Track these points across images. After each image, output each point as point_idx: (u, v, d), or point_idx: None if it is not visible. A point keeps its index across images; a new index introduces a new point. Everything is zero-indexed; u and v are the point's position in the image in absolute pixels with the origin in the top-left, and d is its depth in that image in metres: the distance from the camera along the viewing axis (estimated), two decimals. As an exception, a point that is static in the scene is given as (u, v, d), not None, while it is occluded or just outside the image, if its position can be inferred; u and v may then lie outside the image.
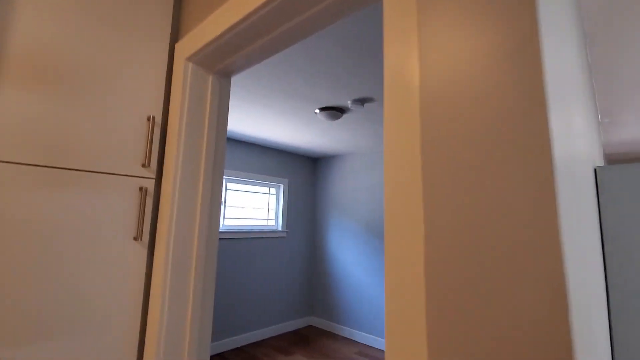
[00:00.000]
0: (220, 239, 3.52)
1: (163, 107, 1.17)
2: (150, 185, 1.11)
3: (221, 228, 3.57)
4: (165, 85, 1.17)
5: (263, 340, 3.80)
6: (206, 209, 1.13)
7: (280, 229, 4.18)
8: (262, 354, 3.41)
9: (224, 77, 1.20)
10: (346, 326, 3.99)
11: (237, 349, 3.53)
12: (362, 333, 3.81)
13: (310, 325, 4.34)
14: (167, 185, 1.09)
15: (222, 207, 3.62)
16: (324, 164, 4.61)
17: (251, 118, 2.94)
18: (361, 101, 2.44)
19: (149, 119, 1.10)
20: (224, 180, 3.65)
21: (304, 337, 3.92)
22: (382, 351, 3.56)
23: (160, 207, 1.11)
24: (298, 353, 3.47)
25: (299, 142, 3.77)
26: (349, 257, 4.08)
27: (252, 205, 4.01)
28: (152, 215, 1.11)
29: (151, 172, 1.12)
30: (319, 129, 3.22)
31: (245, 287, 3.72)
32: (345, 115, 2.78)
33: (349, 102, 2.46)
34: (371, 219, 3.93)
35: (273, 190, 4.24)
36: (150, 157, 1.11)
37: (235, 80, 2.12)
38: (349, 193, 4.22)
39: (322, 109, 2.63)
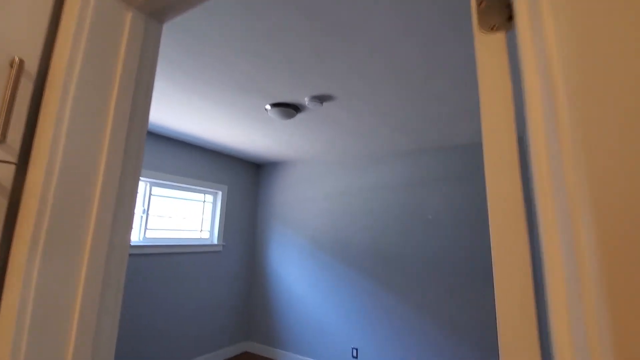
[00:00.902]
0: (139, 254, 2.89)
1: (43, 50, 0.73)
2: (6, 173, 0.66)
3: (141, 241, 2.94)
4: (52, 16, 0.74)
5: (188, 375, 3.19)
6: (107, 216, 0.72)
7: (215, 242, 3.65)
8: (185, 394, 2.83)
9: (152, 18, 0.81)
10: (289, 351, 3.59)
11: (153, 390, 2.88)
12: (305, 358, 3.44)
13: (246, 352, 3.83)
14: (35, 176, 0.66)
15: (144, 215, 3.00)
16: (269, 170, 4.23)
17: (185, 109, 2.47)
18: (320, 99, 2.17)
19: (12, 64, 0.66)
20: (147, 185, 3.04)
21: (237, 368, 3.41)
22: (327, 378, 3.23)
23: (21, 211, 0.66)
24: (231, 388, 2.96)
25: (243, 143, 3.35)
26: (293, 274, 3.72)
27: (182, 215, 3.43)
28: (5, 223, 0.66)
29: (9, 153, 0.67)
30: (268, 130, 2.86)
31: (169, 311, 3.10)
32: (299, 115, 2.48)
33: (306, 98, 2.17)
34: (318, 232, 3.65)
35: (209, 198, 3.71)
36: (8, 128, 0.66)
37: (165, 51, 1.68)
38: (295, 203, 3.89)
39: (275, 105, 2.29)
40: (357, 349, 3.17)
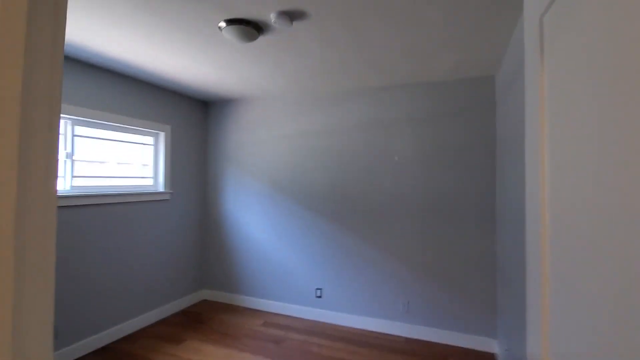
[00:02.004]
0: (67, 206, 2.42)
1: None
2: None
3: (68, 190, 2.45)
4: None
5: (142, 329, 2.99)
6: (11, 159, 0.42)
7: (161, 189, 3.24)
8: (142, 349, 2.66)
9: None
10: (248, 295, 3.54)
11: (102, 348, 2.65)
12: (268, 301, 3.44)
13: (204, 300, 3.71)
14: None
15: (69, 160, 2.46)
16: (218, 109, 3.74)
17: (115, 29, 1.90)
18: (290, 16, 1.79)
19: None
20: (67, 123, 2.45)
21: (196, 316, 3.30)
22: (292, 318, 3.29)
23: None
24: (191, 338, 2.86)
25: (190, 76, 2.82)
26: (250, 218, 3.53)
27: (117, 160, 2.92)
28: None
29: None
30: (221, 57, 2.40)
31: (116, 266, 2.77)
32: (262, 38, 2.08)
33: (272, 15, 1.78)
34: (277, 174, 3.43)
35: (149, 140, 3.20)
36: None
37: None
38: (251, 145, 3.56)
39: (231, 22, 1.86)
40: (321, 289, 3.23)
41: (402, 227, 2.94)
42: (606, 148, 0.47)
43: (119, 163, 2.92)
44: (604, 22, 0.48)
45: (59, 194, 2.36)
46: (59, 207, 2.37)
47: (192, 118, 3.61)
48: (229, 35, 1.94)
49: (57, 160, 0.52)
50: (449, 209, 2.79)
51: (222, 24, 1.88)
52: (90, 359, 2.49)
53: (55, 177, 0.52)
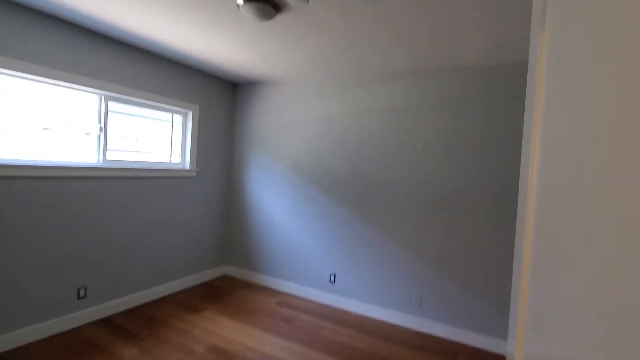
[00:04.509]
0: (98, 177, 2.60)
1: None
2: None
3: (100, 163, 2.64)
4: None
5: (167, 296, 3.21)
6: None
7: (187, 167, 3.38)
8: (163, 314, 2.85)
9: None
10: (266, 274, 3.64)
11: (130, 310, 2.88)
12: (284, 281, 3.52)
13: (225, 275, 3.89)
14: None
15: (102, 134, 2.64)
16: (246, 90, 3.79)
17: (143, 8, 1.95)
18: (306, -8, 1.72)
19: None
20: (101, 98, 2.61)
21: (216, 290, 3.46)
22: (306, 300, 3.34)
23: None
24: (209, 309, 3.01)
25: (213, 55, 2.87)
26: (271, 200, 3.59)
27: (150, 137, 3.08)
28: None
29: None
30: (242, 35, 2.40)
31: (140, 237, 2.97)
32: (279, 17, 2.04)
33: (288, -9, 1.72)
34: (299, 158, 3.42)
35: (177, 119, 3.32)
36: None
37: None
38: (275, 128, 3.58)
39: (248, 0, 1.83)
40: (334, 275, 3.23)
41: (421, 218, 2.82)
42: (594, 147, 0.40)
43: (149, 140, 3.08)
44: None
45: (90, 165, 2.55)
46: (93, 177, 2.56)
47: (220, 98, 3.69)
48: (247, 12, 1.92)
49: None
50: (470, 202, 2.63)
51: (240, 1, 1.87)
52: (117, 318, 2.72)
53: None
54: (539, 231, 0.60)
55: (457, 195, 2.69)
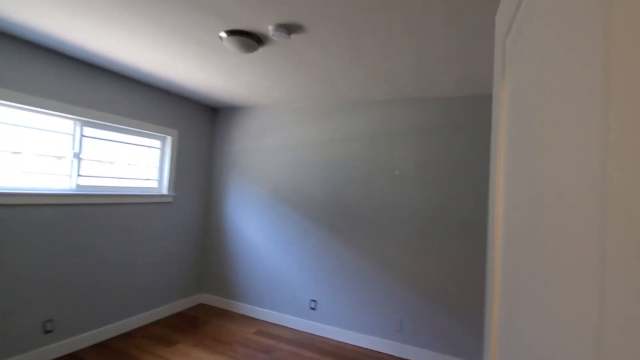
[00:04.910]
0: (70, 204, 2.50)
1: None
2: None
3: (72, 189, 2.54)
4: None
5: (138, 328, 3.04)
6: None
7: (165, 192, 3.31)
8: (134, 348, 2.69)
9: None
10: (244, 302, 3.54)
11: (98, 344, 2.70)
12: (263, 309, 3.43)
13: (201, 304, 3.74)
14: None
15: (76, 160, 2.56)
16: (226, 115, 3.82)
17: (124, 34, 1.98)
18: (288, 29, 1.82)
19: None
20: (75, 123, 2.56)
21: (191, 320, 3.32)
22: (285, 328, 3.26)
23: None
24: (183, 341, 2.87)
25: (195, 82, 2.90)
26: (250, 225, 3.55)
27: (125, 162, 3.01)
28: None
29: None
30: (224, 65, 2.46)
31: (112, 265, 2.83)
32: (262, 49, 2.12)
33: (270, 27, 1.81)
34: (279, 183, 3.44)
35: (156, 143, 3.29)
36: None
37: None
38: (255, 153, 3.60)
39: (231, 33, 1.91)
40: (315, 301, 3.19)
41: (400, 242, 2.88)
42: (538, 173, 0.46)
43: (125, 164, 3.01)
44: (533, 57, 0.47)
45: (64, 191, 2.46)
46: (65, 205, 2.46)
47: (199, 123, 3.70)
48: (230, 45, 1.98)
49: None
50: (448, 225, 2.73)
51: (223, 35, 1.94)
52: (85, 354, 2.54)
53: None
54: (505, 256, 0.65)
55: (433, 219, 2.78)
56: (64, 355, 2.49)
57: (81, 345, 2.61)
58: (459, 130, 2.74)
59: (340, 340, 3.06)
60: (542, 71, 0.45)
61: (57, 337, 2.46)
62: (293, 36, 1.90)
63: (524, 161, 0.51)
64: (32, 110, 2.30)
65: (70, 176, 2.54)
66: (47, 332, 2.39)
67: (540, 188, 0.43)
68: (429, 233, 2.79)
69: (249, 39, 1.93)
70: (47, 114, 2.38)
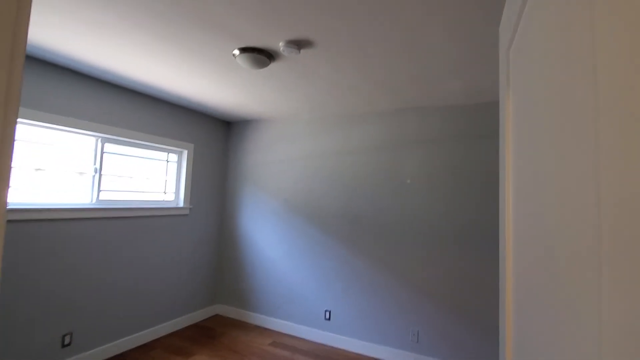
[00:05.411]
0: (91, 218, 2.60)
1: None
2: None
3: (93, 204, 2.64)
4: None
5: (155, 340, 3.08)
6: None
7: (181, 204, 3.40)
8: (152, 360, 2.73)
9: None
10: (259, 313, 3.55)
11: (118, 355, 2.75)
12: (278, 320, 3.43)
13: (216, 315, 3.77)
14: None
15: (97, 175, 2.67)
16: (240, 128, 3.91)
17: (139, 53, 2.09)
18: (298, 44, 1.88)
19: None
20: (97, 140, 2.68)
21: (207, 331, 3.34)
22: (299, 339, 3.25)
23: None
24: (199, 352, 2.89)
25: (210, 97, 3.00)
26: (264, 236, 3.59)
27: (143, 176, 3.11)
28: None
29: None
30: (237, 81, 2.54)
31: (130, 278, 2.90)
32: (273, 65, 2.19)
33: (281, 44, 1.88)
34: (292, 195, 3.48)
35: (173, 157, 3.39)
36: None
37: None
38: (268, 165, 3.66)
39: (244, 50, 1.98)
40: (330, 311, 3.18)
41: (414, 251, 2.86)
42: (546, 183, 0.47)
43: (143, 178, 3.12)
44: (534, 66, 0.49)
45: (85, 206, 2.56)
46: (86, 219, 2.56)
47: (214, 137, 3.80)
48: (243, 62, 2.06)
49: (9, 169, 0.49)
50: (462, 234, 2.69)
51: (236, 52, 2.01)
52: (103, 366, 2.60)
53: (6, 187, 0.49)
54: (516, 262, 0.66)
55: (445, 227, 2.75)
56: (84, 367, 2.54)
57: (99, 357, 2.66)
58: (468, 138, 2.73)
59: (355, 351, 3.02)
60: (542, 80, 0.47)
61: (75, 350, 2.52)
62: (303, 51, 1.96)
63: (530, 167, 0.53)
64: (56, 129, 2.43)
65: (91, 191, 2.64)
66: (65, 345, 2.45)
67: (546, 193, 0.44)
68: (441, 241, 2.76)
69: (261, 55, 2.00)
70: (71, 131, 2.50)
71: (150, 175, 3.18)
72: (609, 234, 0.27)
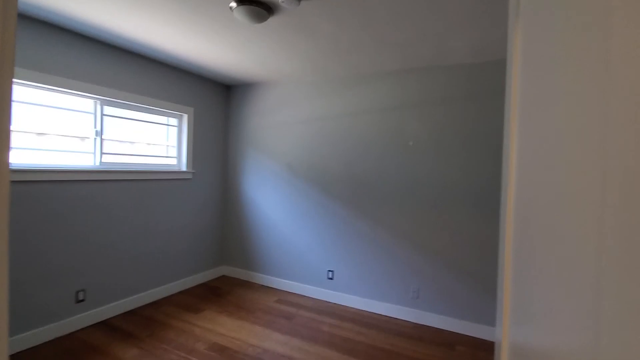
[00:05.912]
0: (95, 180, 2.62)
1: None
2: None
3: (97, 166, 2.66)
4: None
5: (165, 298, 3.22)
6: None
7: (184, 168, 3.41)
8: (163, 315, 2.87)
9: None
10: (264, 273, 3.67)
11: (129, 312, 2.89)
12: (282, 280, 3.56)
13: (223, 276, 3.91)
14: None
15: (98, 138, 2.66)
16: (240, 92, 3.83)
17: (135, 9, 2.00)
18: (297, -6, 1.78)
19: None
20: (97, 102, 2.64)
21: (215, 290, 3.48)
22: (303, 297, 3.38)
23: None
24: (208, 308, 3.03)
25: (207, 58, 2.91)
26: (267, 199, 3.63)
27: (146, 140, 3.10)
28: None
29: None
30: (235, 39, 2.45)
31: (138, 239, 2.99)
32: (272, 18, 2.09)
33: (279, -7, 1.78)
34: (294, 157, 3.47)
35: (173, 121, 3.36)
36: None
37: None
38: (270, 128, 3.62)
39: (241, 2, 1.89)
40: (332, 271, 3.28)
41: (415, 212, 2.89)
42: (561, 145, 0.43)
43: (144, 144, 3.11)
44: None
45: (87, 168, 2.57)
46: (91, 181, 2.58)
47: (214, 101, 3.73)
48: (240, 15, 1.97)
49: (8, 130, 0.48)
50: (462, 194, 2.70)
51: (233, 4, 1.92)
52: (116, 321, 2.74)
53: (7, 148, 0.49)
54: (517, 225, 0.65)
55: (448, 188, 2.76)
56: (96, 323, 2.68)
57: (112, 313, 2.80)
58: (473, 98, 2.65)
59: (358, 307, 3.15)
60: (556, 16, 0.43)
61: (89, 306, 2.64)
62: (303, 3, 1.86)
63: (535, 122, 0.50)
64: (55, 90, 2.39)
65: (94, 154, 2.65)
66: (79, 301, 2.57)
67: (550, 152, 0.42)
68: (443, 203, 2.77)
69: (259, 8, 1.91)
70: (69, 93, 2.46)
71: (152, 141, 3.16)
72: (614, 186, 0.26)
